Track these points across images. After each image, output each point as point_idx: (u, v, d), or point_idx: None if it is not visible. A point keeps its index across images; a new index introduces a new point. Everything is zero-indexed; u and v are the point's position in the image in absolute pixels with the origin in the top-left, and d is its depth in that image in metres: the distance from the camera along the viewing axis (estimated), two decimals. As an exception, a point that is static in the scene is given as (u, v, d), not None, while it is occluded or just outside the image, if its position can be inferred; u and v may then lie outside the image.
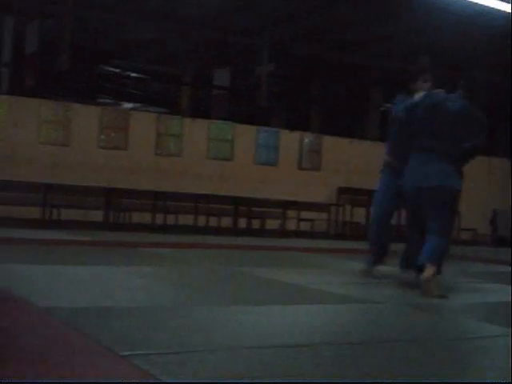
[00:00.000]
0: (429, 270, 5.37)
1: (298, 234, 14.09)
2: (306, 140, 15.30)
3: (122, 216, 12.90)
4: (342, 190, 15.11)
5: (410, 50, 17.00)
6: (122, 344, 2.96)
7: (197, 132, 14.28)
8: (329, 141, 15.56)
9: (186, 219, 13.29)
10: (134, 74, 20.03)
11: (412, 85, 6.43)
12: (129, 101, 20.81)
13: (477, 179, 17.10)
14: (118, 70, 19.63)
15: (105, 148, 13.21)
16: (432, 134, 5.79)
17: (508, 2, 13.13)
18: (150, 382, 2.49)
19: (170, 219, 13.08)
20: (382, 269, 6.83)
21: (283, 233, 14.05)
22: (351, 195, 15.07)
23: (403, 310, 4.76)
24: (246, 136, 14.78)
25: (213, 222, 13.59)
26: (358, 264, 7.19)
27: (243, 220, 13.99)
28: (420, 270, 5.53)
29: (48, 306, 3.86)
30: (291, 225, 14.34)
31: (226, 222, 13.81)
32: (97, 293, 4.60)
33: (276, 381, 2.58)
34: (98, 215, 12.75)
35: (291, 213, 14.33)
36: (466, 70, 17.62)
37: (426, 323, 4.29)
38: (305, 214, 14.35)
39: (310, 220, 14.35)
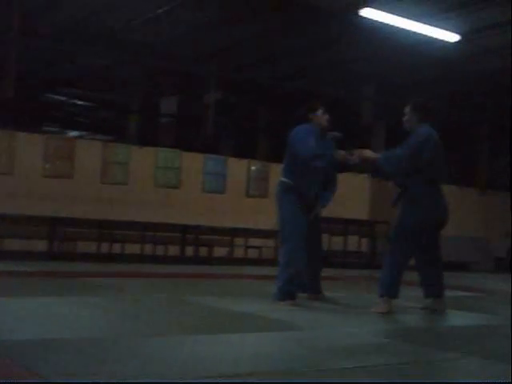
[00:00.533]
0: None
1: (246, 261, 14.07)
2: (254, 167, 15.37)
3: (67, 245, 12.69)
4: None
5: (356, 77, 17.34)
6: (63, 376, 2.90)
7: (144, 160, 14.21)
8: (276, 168, 15.61)
9: (133, 248, 13.15)
10: (80, 102, 19.89)
11: (312, 115, 7.02)
12: (75, 129, 20.62)
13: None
14: (63, 98, 19.46)
15: (50, 177, 13.02)
16: (443, 166, 6.36)
17: (453, 33, 13.48)
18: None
19: (116, 248, 12.93)
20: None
21: (231, 260, 14.01)
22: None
23: (342, 334, 4.78)
24: (194, 164, 14.77)
25: (160, 250, 13.49)
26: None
27: (191, 248, 13.91)
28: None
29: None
30: (239, 252, 14.32)
31: (174, 250, 13.72)
32: (38, 325, 4.51)
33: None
34: (42, 245, 12.52)
35: (239, 240, 14.33)
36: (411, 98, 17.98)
37: (376, 349, 4.31)
38: (252, 241, 14.35)
39: (258, 247, 14.36)
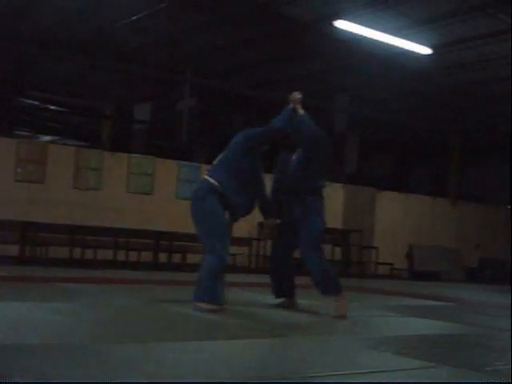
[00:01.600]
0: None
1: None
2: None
3: (39, 250, 12.58)
4: (263, 225, 15.14)
5: (330, 88, 17.45)
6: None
7: (117, 166, 14.14)
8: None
9: (106, 254, 13.07)
10: (53, 107, 19.75)
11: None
12: (47, 133, 20.46)
13: (393, 215, 17.57)
14: (36, 103, 19.31)
15: (21, 181, 12.90)
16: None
17: (425, 46, 13.65)
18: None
19: (89, 254, 12.85)
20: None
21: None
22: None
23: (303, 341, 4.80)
24: (167, 170, 14.74)
25: (133, 256, 13.42)
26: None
27: (164, 254, 13.85)
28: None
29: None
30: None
31: (147, 256, 13.65)
32: (7, 329, 4.46)
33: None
34: (13, 249, 12.39)
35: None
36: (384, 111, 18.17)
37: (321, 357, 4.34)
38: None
39: (232, 255, 14.32)
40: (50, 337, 4.29)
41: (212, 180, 6.39)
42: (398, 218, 17.67)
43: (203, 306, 6.06)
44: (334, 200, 16.58)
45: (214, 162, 6.66)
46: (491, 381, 2.90)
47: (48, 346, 3.92)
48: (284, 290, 7.08)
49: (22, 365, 3.29)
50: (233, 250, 14.33)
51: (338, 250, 16.03)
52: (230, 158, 6.51)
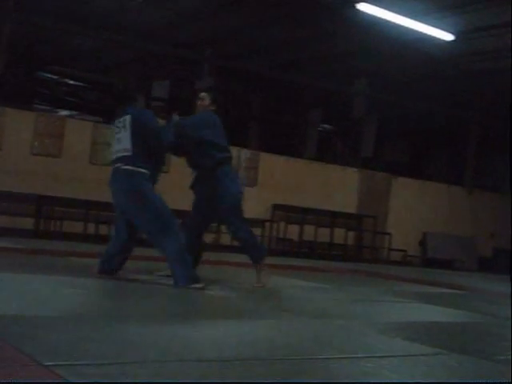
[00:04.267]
0: None
1: (232, 248, 14.06)
2: (243, 156, 15.35)
3: (53, 224, 12.65)
4: (276, 207, 15.20)
5: (350, 71, 17.34)
6: (46, 354, 2.89)
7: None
8: (266, 158, 15.64)
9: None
10: (71, 82, 19.78)
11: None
12: (65, 108, 20.50)
13: (408, 202, 17.50)
14: (55, 77, 19.34)
15: (38, 154, 12.95)
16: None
17: (448, 32, 13.52)
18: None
19: (103, 229, 12.90)
20: None
21: (217, 247, 14.01)
22: (286, 212, 15.18)
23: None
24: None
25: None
26: (287, 279, 7.22)
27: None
28: None
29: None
30: (225, 240, 14.31)
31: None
32: (22, 302, 4.50)
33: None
34: (28, 223, 12.46)
35: (225, 227, 14.29)
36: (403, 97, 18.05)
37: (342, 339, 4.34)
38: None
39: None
40: (63, 310, 4.32)
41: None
42: (412, 205, 17.58)
43: (197, 286, 6.02)
44: (349, 184, 16.54)
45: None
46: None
47: (60, 318, 3.95)
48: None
49: (36, 336, 3.32)
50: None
51: (351, 234, 16.01)
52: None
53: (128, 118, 6.17)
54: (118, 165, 6.13)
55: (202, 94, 7.09)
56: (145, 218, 6.12)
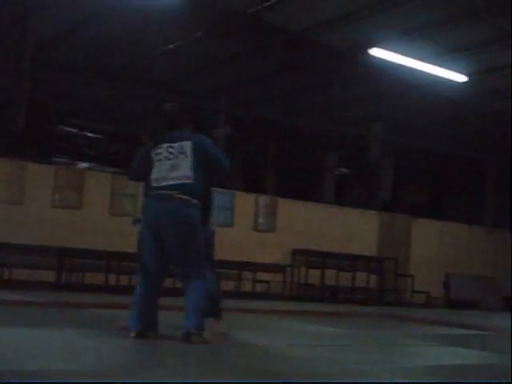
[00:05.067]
0: None
1: (254, 295, 14.03)
2: (262, 202, 15.40)
3: (75, 276, 12.70)
4: (296, 252, 15.17)
5: (364, 116, 17.47)
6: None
7: (153, 192, 14.22)
8: (284, 203, 15.68)
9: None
10: (90, 134, 20.05)
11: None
12: (84, 160, 20.75)
13: (429, 243, 17.41)
14: (74, 130, 19.63)
15: (58, 207, 13.07)
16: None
17: (461, 73, 13.62)
18: None
19: (124, 280, 12.91)
20: None
21: (239, 294, 13.97)
22: (306, 257, 15.15)
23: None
24: (202, 197, 14.78)
25: (168, 282, 13.42)
26: (315, 326, 7.19)
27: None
28: None
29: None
30: (247, 286, 14.28)
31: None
32: (46, 356, 4.52)
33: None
34: (50, 275, 12.52)
35: (247, 274, 14.30)
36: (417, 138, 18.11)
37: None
38: (260, 276, 14.33)
39: (266, 281, 14.32)
40: (87, 363, 4.33)
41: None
42: (434, 246, 17.48)
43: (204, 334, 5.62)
44: (369, 227, 16.51)
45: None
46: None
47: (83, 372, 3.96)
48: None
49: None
50: (267, 276, 14.41)
51: (373, 277, 15.91)
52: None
53: (188, 144, 5.76)
54: (172, 192, 5.64)
55: None
56: (187, 255, 5.65)
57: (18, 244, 12.13)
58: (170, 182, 5.67)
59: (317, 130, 18.66)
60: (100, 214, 13.46)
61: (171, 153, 5.75)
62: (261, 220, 15.24)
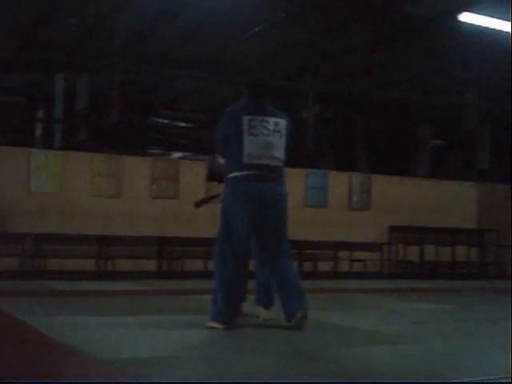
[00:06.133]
0: None
1: (351, 274, 13.99)
2: (355, 180, 15.28)
3: (176, 264, 13.03)
4: (393, 229, 14.99)
5: (457, 84, 16.97)
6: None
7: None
8: (378, 180, 15.51)
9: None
10: (182, 124, 20.39)
11: None
12: (178, 150, 21.14)
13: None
14: (166, 121, 20.01)
15: (156, 198, 13.41)
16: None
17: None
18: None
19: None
20: None
21: (336, 274, 13.97)
22: (403, 233, 14.95)
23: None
24: (296, 179, 14.80)
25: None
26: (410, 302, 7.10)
27: (295, 263, 13.94)
28: None
29: (110, 357, 3.94)
30: (344, 266, 14.25)
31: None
32: (154, 343, 4.68)
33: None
34: (151, 264, 12.90)
35: (343, 254, 14.26)
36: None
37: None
38: (357, 255, 14.26)
39: (363, 260, 14.24)
40: (198, 349, 4.46)
41: None
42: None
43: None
44: (467, 199, 16.12)
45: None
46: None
47: (195, 357, 4.08)
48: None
49: (172, 376, 3.46)
50: (364, 255, 14.32)
51: (473, 250, 15.54)
52: None
53: (283, 122, 5.36)
54: (273, 175, 5.26)
55: None
56: (281, 239, 5.38)
57: (120, 236, 12.57)
58: (266, 162, 5.20)
59: (408, 102, 18.28)
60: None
61: (267, 128, 5.24)
62: (355, 198, 15.15)
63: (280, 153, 5.29)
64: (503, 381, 2.82)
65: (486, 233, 15.78)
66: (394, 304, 8.34)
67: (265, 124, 5.22)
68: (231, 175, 5.31)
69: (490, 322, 6.61)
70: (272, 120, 5.27)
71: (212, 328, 5.23)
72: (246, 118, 5.22)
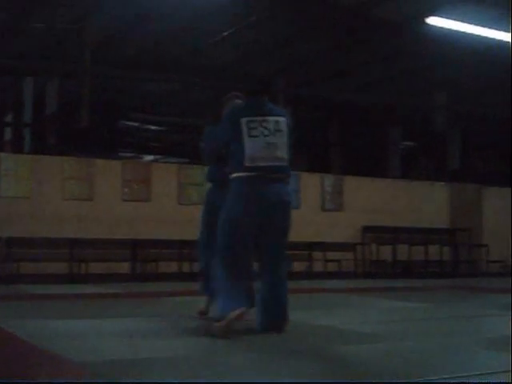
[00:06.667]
0: None
1: (326, 274, 14.02)
2: (327, 182, 15.32)
3: (149, 267, 12.94)
4: (366, 229, 15.06)
5: (426, 87, 17.12)
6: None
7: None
8: (350, 181, 15.57)
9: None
10: (153, 127, 20.27)
11: None
12: (149, 153, 21.03)
13: (502, 211, 17.00)
14: (137, 124, 19.89)
15: (128, 200, 13.31)
16: None
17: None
18: None
19: (197, 267, 13.07)
20: None
21: (310, 274, 13.98)
22: (376, 233, 15.03)
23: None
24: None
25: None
26: (389, 302, 7.13)
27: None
28: None
29: (83, 360, 3.89)
30: (318, 266, 14.28)
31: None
32: (126, 345, 4.63)
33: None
34: (124, 266, 12.81)
35: (317, 254, 14.28)
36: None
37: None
38: (331, 255, 14.29)
39: (337, 260, 14.28)
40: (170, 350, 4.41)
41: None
42: (507, 214, 17.06)
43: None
44: (438, 199, 16.25)
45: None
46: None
47: (162, 359, 4.03)
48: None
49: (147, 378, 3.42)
50: (338, 255, 14.35)
51: (446, 250, 15.67)
52: None
53: (283, 120, 5.19)
54: (277, 175, 5.08)
55: None
56: (285, 240, 5.31)
57: (93, 239, 12.46)
58: (269, 163, 5.00)
59: (379, 105, 18.40)
60: (169, 204, 13.65)
61: (267, 128, 5.05)
62: (328, 199, 15.19)
63: (283, 152, 5.09)
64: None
65: (458, 232, 15.92)
66: (370, 303, 8.36)
67: (264, 124, 5.05)
68: (235, 175, 5.13)
69: (465, 318, 6.65)
70: (272, 119, 5.11)
71: (238, 316, 4.90)
72: (244, 121, 5.05)
